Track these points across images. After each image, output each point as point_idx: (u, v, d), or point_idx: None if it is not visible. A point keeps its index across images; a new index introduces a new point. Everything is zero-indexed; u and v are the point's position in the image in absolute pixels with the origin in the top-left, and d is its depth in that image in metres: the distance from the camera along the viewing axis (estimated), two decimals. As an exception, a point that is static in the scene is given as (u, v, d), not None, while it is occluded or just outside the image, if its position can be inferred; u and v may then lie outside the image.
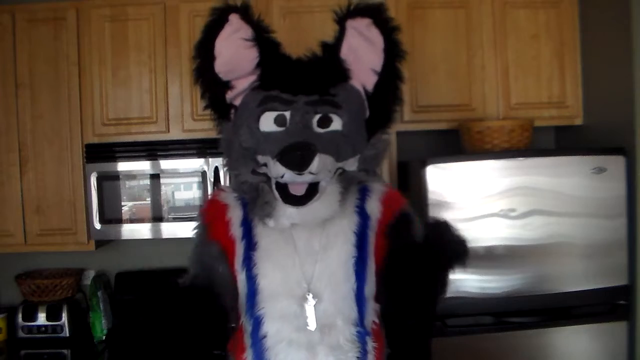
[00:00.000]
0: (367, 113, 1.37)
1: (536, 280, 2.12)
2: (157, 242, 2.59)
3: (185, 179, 2.45)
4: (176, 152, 2.44)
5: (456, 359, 2.13)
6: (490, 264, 2.11)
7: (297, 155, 1.21)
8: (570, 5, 2.50)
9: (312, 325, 1.29)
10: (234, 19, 1.30)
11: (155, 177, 2.45)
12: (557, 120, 2.55)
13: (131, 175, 2.46)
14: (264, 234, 1.34)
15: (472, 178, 2.12)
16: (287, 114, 1.29)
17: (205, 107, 1.41)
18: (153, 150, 2.45)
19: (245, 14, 1.31)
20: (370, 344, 1.35)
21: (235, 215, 1.39)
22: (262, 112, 1.31)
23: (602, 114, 2.39)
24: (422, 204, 2.12)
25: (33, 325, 2.53)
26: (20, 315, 2.54)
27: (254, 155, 1.31)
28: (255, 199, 1.32)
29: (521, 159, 2.14)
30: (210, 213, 1.43)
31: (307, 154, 1.21)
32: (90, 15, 2.47)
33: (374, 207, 1.38)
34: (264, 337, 1.31)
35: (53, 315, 2.53)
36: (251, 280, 1.32)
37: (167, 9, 2.46)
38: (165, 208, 2.45)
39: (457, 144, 2.44)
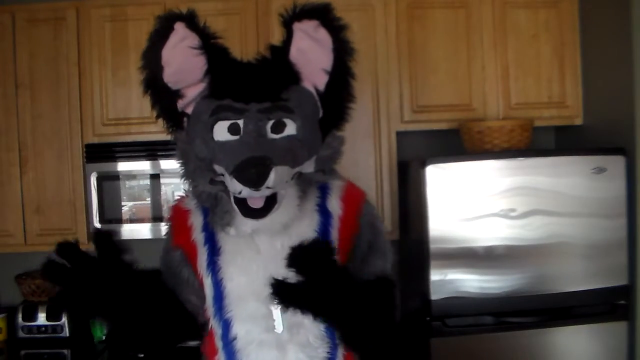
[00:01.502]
0: (321, 113, 1.36)
1: (536, 280, 2.12)
2: (157, 242, 2.58)
3: (185, 179, 2.45)
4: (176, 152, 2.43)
5: (456, 359, 2.13)
6: (490, 264, 2.11)
7: (252, 172, 1.19)
8: (570, 5, 2.50)
9: (279, 328, 1.30)
10: (180, 28, 1.28)
11: (155, 177, 2.45)
12: (557, 120, 2.55)
13: (131, 175, 2.46)
14: (226, 239, 1.35)
15: (472, 178, 2.12)
16: (241, 122, 1.28)
17: (157, 117, 1.40)
18: (153, 150, 2.45)
19: (191, 21, 1.29)
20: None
21: (196, 221, 1.40)
22: (215, 121, 1.29)
23: (602, 114, 2.39)
24: (422, 204, 2.12)
25: (33, 325, 2.53)
26: (20, 315, 2.54)
27: (210, 165, 1.30)
28: (215, 208, 1.33)
29: (521, 159, 2.14)
30: (174, 219, 1.46)
31: (262, 170, 1.19)
32: (90, 15, 2.47)
33: (334, 205, 1.38)
34: (234, 339, 1.32)
35: (53, 315, 2.53)
36: (217, 284, 1.33)
37: (167, 9, 2.44)
38: (165, 208, 2.45)
39: (457, 144, 2.44)
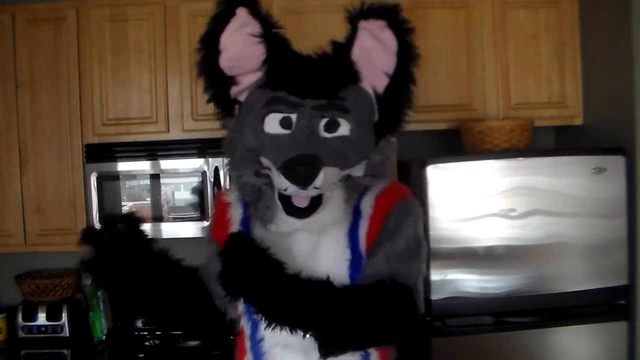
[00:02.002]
0: (376, 116, 1.31)
1: (536, 280, 2.12)
2: (157, 242, 2.60)
3: (185, 179, 2.46)
4: (176, 152, 2.44)
5: (456, 359, 2.13)
6: (490, 264, 2.11)
7: (301, 170, 1.17)
8: (570, 5, 2.50)
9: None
10: (242, 13, 1.24)
11: (155, 177, 2.45)
12: (557, 120, 2.55)
13: (131, 175, 2.46)
14: (261, 234, 1.31)
15: (472, 178, 2.12)
16: (294, 116, 1.25)
17: (208, 101, 1.36)
18: (153, 150, 2.45)
19: (253, 8, 1.25)
20: None
21: (235, 214, 1.38)
22: (267, 113, 1.26)
23: (602, 114, 2.39)
24: (422, 204, 2.12)
25: (33, 325, 2.53)
26: (20, 315, 2.54)
27: (257, 157, 1.27)
28: (257, 202, 1.30)
29: (521, 159, 2.14)
30: (214, 211, 1.46)
31: (311, 169, 1.17)
32: (90, 15, 2.47)
33: (367, 204, 1.32)
34: (261, 340, 1.30)
35: (53, 315, 2.53)
36: None
37: (167, 9, 2.46)
38: (165, 208, 2.45)
39: (458, 144, 2.44)
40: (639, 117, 2.12)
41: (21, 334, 2.53)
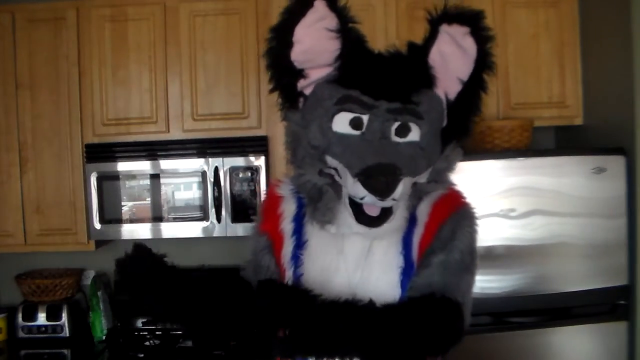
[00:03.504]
0: (445, 122, 1.29)
1: (536, 280, 2.12)
2: (157, 242, 2.58)
3: (185, 179, 2.46)
4: (176, 152, 2.44)
5: (456, 359, 2.13)
6: (490, 264, 2.11)
7: (382, 181, 1.13)
8: (570, 5, 2.50)
9: None
10: (320, 6, 1.19)
11: (155, 177, 2.45)
12: (557, 120, 2.55)
13: (131, 175, 2.46)
14: (313, 232, 1.28)
15: (472, 178, 2.12)
16: (365, 117, 1.20)
17: (271, 91, 1.31)
18: (153, 150, 2.45)
19: (332, 1, 1.20)
20: None
21: (288, 209, 1.33)
22: (338, 111, 1.21)
23: (602, 114, 2.39)
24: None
25: (33, 325, 2.53)
26: (20, 315, 2.55)
27: (322, 156, 1.22)
28: (317, 202, 1.25)
29: (521, 159, 2.14)
30: (265, 204, 1.40)
31: (392, 180, 1.13)
32: (90, 15, 2.47)
33: (422, 211, 1.27)
34: None
35: (53, 315, 2.54)
36: (296, 279, 1.26)
37: (167, 9, 2.46)
38: (165, 208, 2.45)
39: (457, 144, 2.44)
40: (639, 117, 2.12)
41: (21, 334, 2.54)
